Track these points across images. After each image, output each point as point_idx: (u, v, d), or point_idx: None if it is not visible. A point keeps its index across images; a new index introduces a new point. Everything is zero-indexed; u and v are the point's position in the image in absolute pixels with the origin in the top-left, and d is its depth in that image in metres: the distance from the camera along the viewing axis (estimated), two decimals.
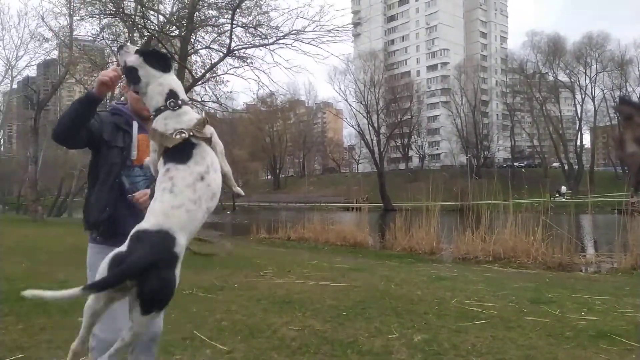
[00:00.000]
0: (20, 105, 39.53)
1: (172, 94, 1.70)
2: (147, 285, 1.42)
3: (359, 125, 57.52)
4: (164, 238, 1.48)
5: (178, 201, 1.55)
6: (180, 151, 1.62)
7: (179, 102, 1.70)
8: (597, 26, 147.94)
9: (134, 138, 2.10)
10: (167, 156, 1.63)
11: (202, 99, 18.09)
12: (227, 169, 1.82)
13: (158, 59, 1.76)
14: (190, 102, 1.85)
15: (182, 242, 1.52)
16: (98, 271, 1.53)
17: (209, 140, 1.68)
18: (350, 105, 57.93)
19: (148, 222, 1.53)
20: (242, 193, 2.05)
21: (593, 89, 59.00)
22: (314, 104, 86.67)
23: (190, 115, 1.70)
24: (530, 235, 10.91)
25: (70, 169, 36.42)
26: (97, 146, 2.08)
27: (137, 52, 1.76)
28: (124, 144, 2.10)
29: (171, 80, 1.77)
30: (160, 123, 1.67)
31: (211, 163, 1.66)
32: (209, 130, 1.72)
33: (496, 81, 76.94)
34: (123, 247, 1.49)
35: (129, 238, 1.51)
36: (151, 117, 1.74)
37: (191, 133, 1.64)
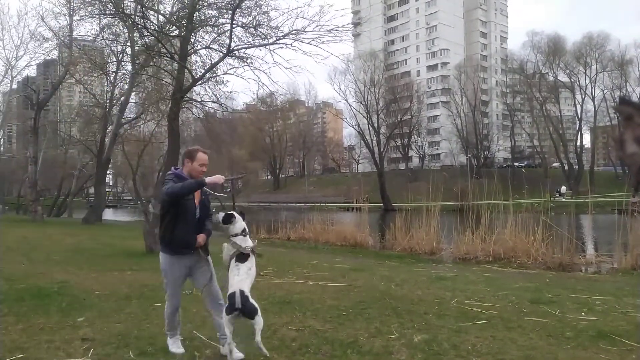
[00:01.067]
0: (20, 105, 39.49)
1: (244, 230, 3.70)
2: (245, 310, 3.40)
3: (359, 125, 57.42)
4: (241, 293, 3.42)
5: (240, 277, 3.52)
6: (243, 257, 3.60)
7: (247, 233, 3.71)
8: (597, 26, 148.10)
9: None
10: (237, 258, 3.59)
11: (202, 99, 18.10)
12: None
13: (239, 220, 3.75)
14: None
15: (247, 290, 3.46)
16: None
17: (254, 252, 3.71)
18: (350, 105, 57.82)
19: (232, 288, 3.46)
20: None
21: (593, 89, 58.98)
22: (314, 104, 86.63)
23: (249, 241, 3.69)
24: (531, 235, 10.90)
25: (70, 169, 36.38)
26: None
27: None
28: (191, 196, 3.60)
29: (243, 223, 3.73)
30: (240, 241, 3.64)
31: (253, 263, 3.66)
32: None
33: (496, 81, 76.84)
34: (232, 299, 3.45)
35: (232, 295, 3.43)
36: (230, 238, 3.67)
37: (253, 250, 3.68)
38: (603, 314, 4.97)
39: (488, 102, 76.24)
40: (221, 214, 3.77)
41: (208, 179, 3.45)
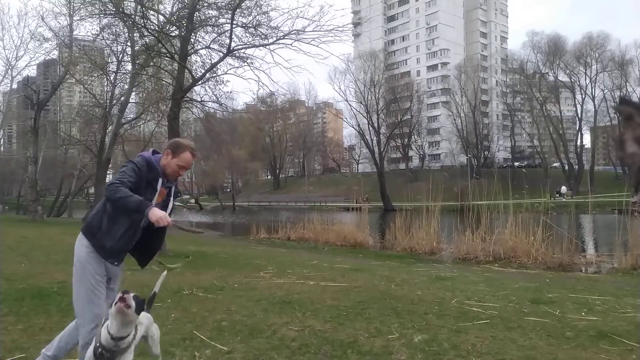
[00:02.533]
0: (20, 105, 39.49)
1: None
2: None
3: (359, 125, 57.45)
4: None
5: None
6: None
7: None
8: (597, 26, 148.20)
9: (157, 191, 2.85)
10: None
11: (202, 99, 18.07)
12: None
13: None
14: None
15: None
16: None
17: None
18: (350, 105, 57.89)
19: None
20: None
21: (593, 89, 59.06)
22: (314, 104, 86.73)
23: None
24: (531, 235, 10.91)
25: (70, 169, 36.38)
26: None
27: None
28: (150, 196, 2.80)
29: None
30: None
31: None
32: None
33: (496, 81, 76.87)
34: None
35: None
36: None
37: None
38: (603, 314, 4.97)
39: (488, 102, 76.26)
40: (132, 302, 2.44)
41: (152, 215, 2.53)
